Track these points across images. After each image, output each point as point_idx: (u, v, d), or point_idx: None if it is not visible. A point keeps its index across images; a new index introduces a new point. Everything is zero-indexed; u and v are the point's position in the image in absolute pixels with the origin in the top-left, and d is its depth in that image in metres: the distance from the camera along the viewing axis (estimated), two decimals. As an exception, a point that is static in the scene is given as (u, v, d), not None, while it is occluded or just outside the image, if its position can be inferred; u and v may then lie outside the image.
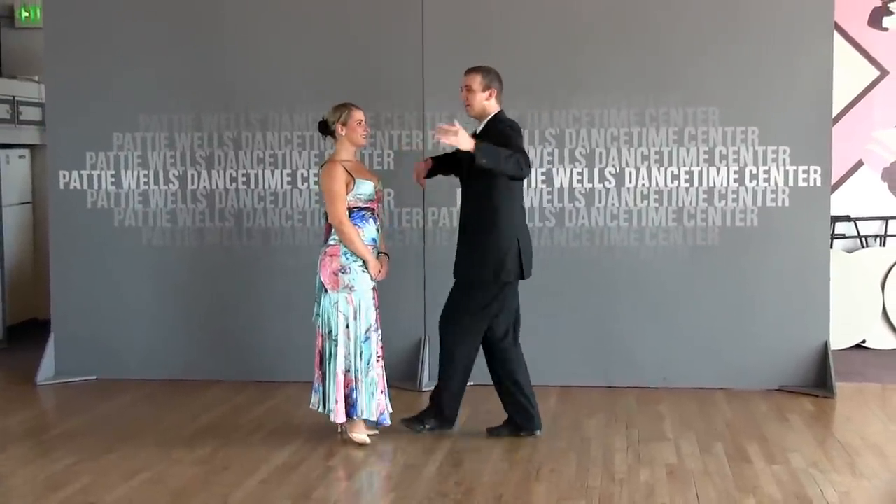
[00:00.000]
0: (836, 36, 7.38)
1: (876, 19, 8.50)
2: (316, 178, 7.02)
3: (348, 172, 5.72)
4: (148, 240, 7.31)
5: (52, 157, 7.39)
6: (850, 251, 8.43)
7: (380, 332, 5.82)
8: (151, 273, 7.30)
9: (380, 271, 5.80)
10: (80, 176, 7.34)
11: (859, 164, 8.57)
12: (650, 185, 6.98)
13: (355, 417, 5.74)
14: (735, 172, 6.93)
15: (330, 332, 5.71)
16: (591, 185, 7.02)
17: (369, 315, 5.75)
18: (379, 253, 5.84)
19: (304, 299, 6.34)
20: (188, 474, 5.23)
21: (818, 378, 6.87)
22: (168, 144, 7.28)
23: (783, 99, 6.86)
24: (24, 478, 5.22)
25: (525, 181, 5.87)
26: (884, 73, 8.50)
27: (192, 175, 7.28)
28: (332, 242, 5.76)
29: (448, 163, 5.99)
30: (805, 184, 6.88)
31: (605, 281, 7.00)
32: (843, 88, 8.17)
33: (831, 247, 7.59)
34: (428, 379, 6.98)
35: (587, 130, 7.00)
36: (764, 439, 5.80)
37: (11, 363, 7.88)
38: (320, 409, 5.78)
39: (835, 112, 7.44)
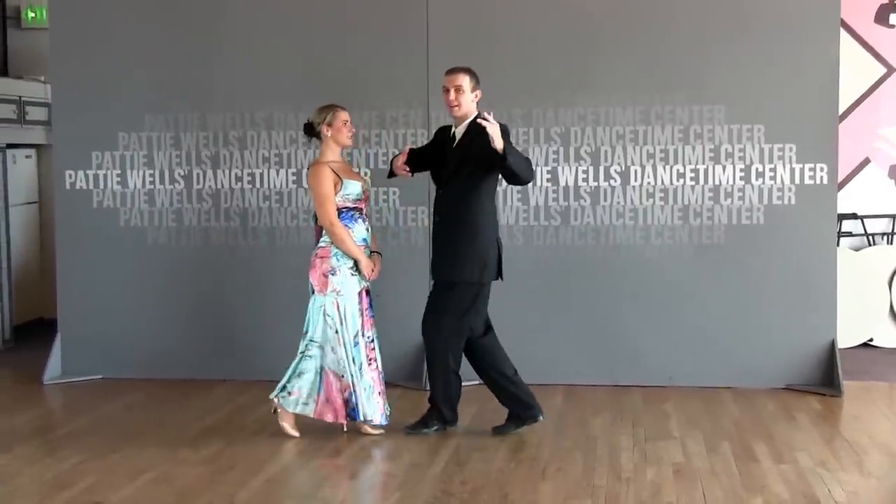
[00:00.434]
0: (843, 33, 7.35)
1: (883, 16, 8.47)
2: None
3: (335, 173, 5.72)
4: (153, 239, 7.32)
5: (58, 157, 7.41)
6: (856, 249, 8.40)
7: (369, 336, 5.80)
8: (157, 272, 7.30)
9: (373, 270, 5.80)
10: (86, 176, 7.35)
11: (866, 161, 8.54)
12: (656, 183, 6.96)
13: (359, 420, 5.79)
14: (741, 170, 6.91)
15: (306, 331, 5.78)
16: (596, 184, 7.00)
17: (355, 321, 5.74)
18: (371, 252, 5.83)
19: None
20: (194, 474, 5.23)
21: (825, 377, 6.85)
22: (173, 144, 7.28)
23: (789, 96, 6.84)
24: (30, 477, 5.22)
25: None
26: (891, 70, 8.47)
27: (198, 174, 7.28)
28: (322, 244, 5.77)
29: (422, 159, 5.89)
30: (811, 181, 6.86)
31: (611, 279, 6.99)
32: (850, 86, 8.14)
33: (838, 245, 7.57)
34: (433, 378, 6.98)
35: (592, 129, 6.99)
36: (771, 438, 5.78)
37: (18, 362, 7.89)
38: (272, 395, 5.83)
39: (841, 109, 7.41)
